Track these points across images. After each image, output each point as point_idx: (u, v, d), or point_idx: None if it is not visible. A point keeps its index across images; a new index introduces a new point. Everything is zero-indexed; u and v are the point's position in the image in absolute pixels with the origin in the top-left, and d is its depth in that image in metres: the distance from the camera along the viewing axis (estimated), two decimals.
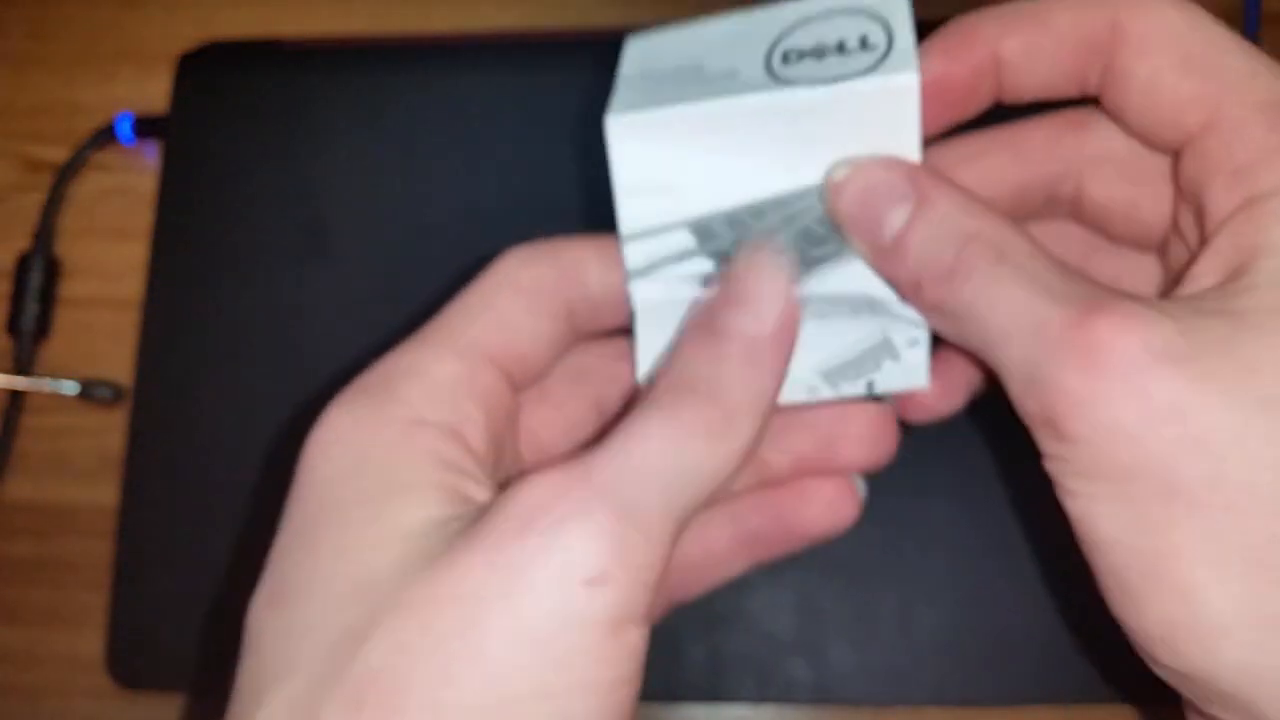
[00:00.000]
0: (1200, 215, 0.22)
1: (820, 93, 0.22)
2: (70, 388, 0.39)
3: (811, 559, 0.34)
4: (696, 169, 0.23)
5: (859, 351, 0.24)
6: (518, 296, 0.23)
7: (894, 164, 0.22)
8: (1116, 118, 0.23)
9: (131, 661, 0.36)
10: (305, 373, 0.36)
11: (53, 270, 0.40)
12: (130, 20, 0.43)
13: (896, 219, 0.22)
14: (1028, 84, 0.23)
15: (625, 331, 0.25)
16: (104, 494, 0.37)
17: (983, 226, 0.21)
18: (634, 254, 0.24)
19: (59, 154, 0.41)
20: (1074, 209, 0.25)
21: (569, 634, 0.18)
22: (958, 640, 0.34)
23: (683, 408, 0.20)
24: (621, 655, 0.19)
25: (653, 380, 0.22)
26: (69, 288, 0.40)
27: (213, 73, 0.40)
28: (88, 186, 0.41)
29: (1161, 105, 0.22)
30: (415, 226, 0.38)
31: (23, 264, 0.40)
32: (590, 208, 0.37)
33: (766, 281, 0.22)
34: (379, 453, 0.21)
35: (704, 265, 0.24)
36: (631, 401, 0.24)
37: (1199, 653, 0.19)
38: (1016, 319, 0.20)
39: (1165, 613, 0.19)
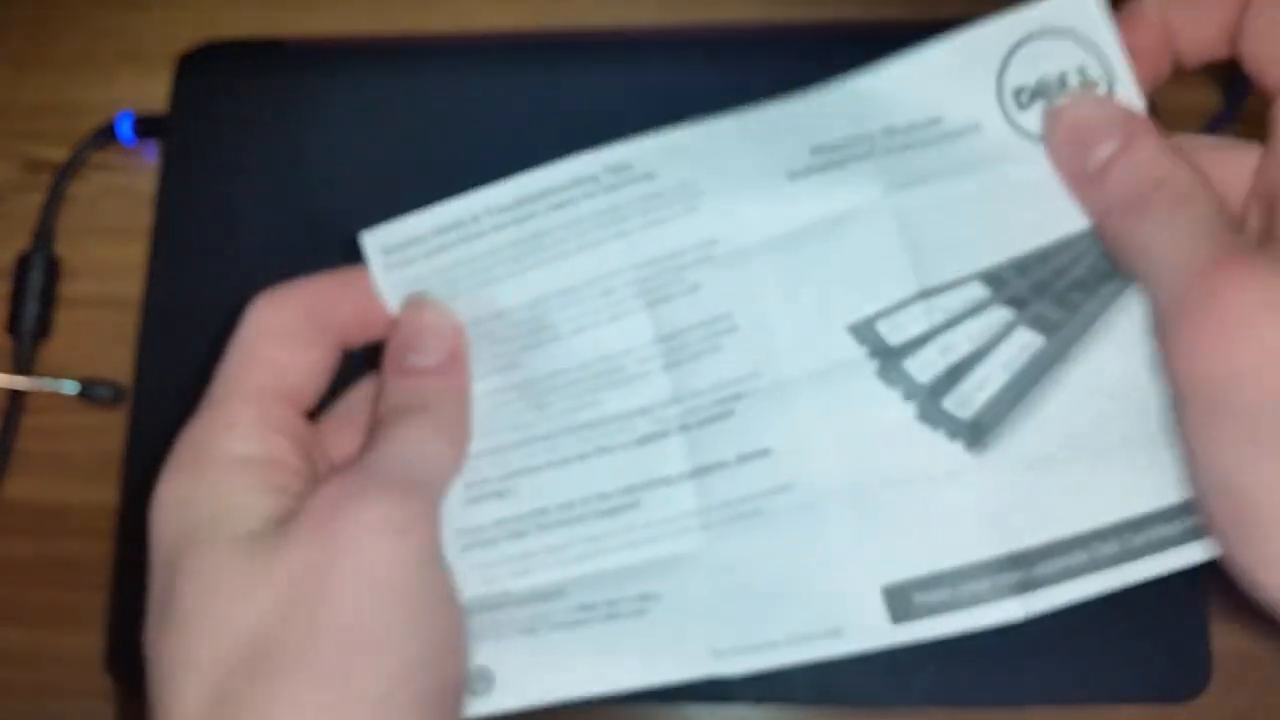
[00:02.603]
0: None
1: None
2: (70, 388, 0.39)
3: None
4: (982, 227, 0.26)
5: None
6: (280, 341, 0.27)
7: (1108, 103, 0.25)
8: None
9: (131, 661, 0.35)
10: None
11: (53, 270, 0.40)
12: (130, 20, 0.43)
13: (1103, 151, 0.25)
14: (1196, 47, 0.25)
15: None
16: (104, 494, 0.37)
17: (1174, 173, 0.24)
18: (918, 316, 0.26)
19: (59, 154, 0.41)
20: None
21: (399, 570, 0.24)
22: (958, 640, 0.34)
23: (416, 421, 0.26)
24: (442, 579, 0.25)
25: None
26: (69, 288, 0.40)
27: (213, 73, 0.40)
28: (88, 186, 0.41)
29: (1260, 59, 0.24)
30: None
31: (23, 264, 0.40)
32: None
33: (431, 325, 0.27)
34: (206, 491, 0.25)
35: (1004, 314, 0.26)
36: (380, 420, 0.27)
37: None
38: (1168, 259, 0.23)
39: (1272, 549, 0.21)
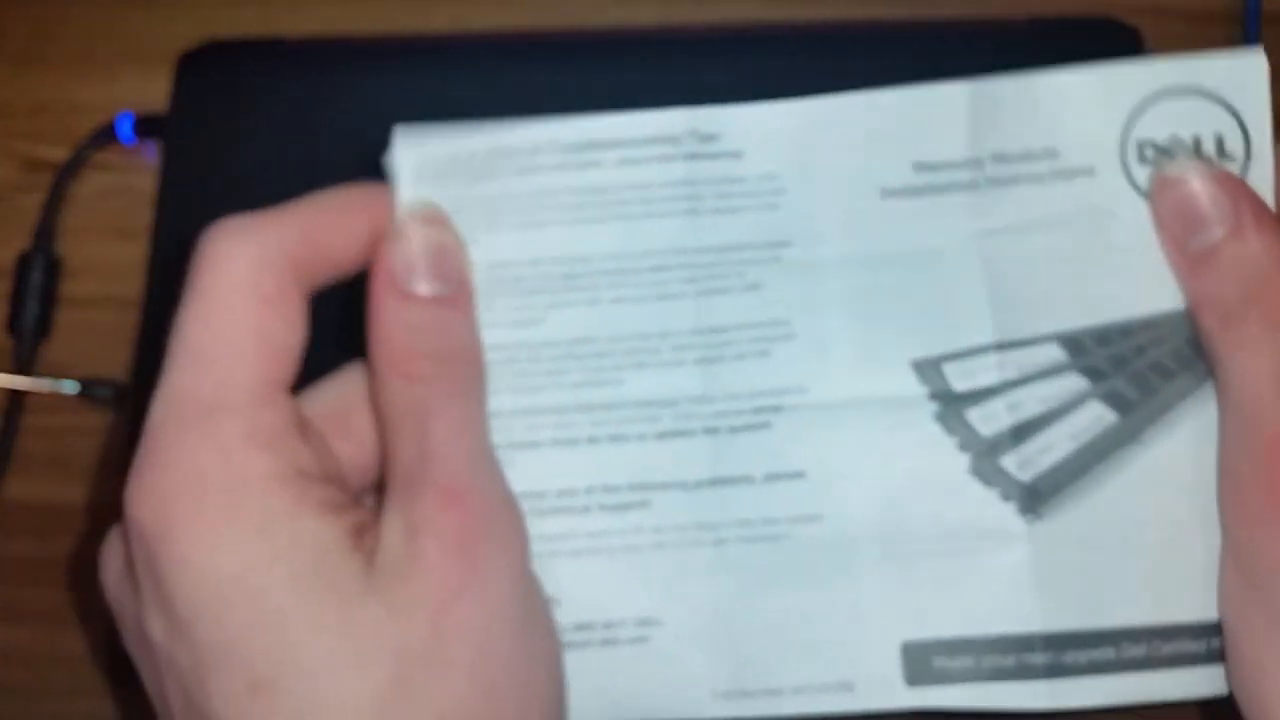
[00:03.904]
0: None
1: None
2: (70, 388, 0.39)
3: None
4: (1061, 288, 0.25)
5: None
6: (264, 301, 0.22)
7: (1227, 179, 0.23)
8: None
9: (131, 661, 0.36)
10: (303, 374, 0.36)
11: (53, 270, 0.40)
12: (130, 20, 0.43)
13: (1209, 236, 0.23)
14: None
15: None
16: (104, 494, 0.37)
17: (1275, 287, 0.22)
18: (990, 367, 0.25)
19: (59, 154, 0.41)
20: None
21: (535, 604, 0.23)
22: None
23: (465, 390, 0.24)
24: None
25: None
26: (69, 287, 0.40)
27: (213, 73, 0.40)
28: (88, 186, 0.41)
29: None
30: None
31: (23, 264, 0.40)
32: None
33: (445, 244, 0.24)
34: (255, 533, 0.21)
35: (1078, 383, 0.24)
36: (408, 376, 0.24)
37: None
38: (1244, 388, 0.22)
39: None
